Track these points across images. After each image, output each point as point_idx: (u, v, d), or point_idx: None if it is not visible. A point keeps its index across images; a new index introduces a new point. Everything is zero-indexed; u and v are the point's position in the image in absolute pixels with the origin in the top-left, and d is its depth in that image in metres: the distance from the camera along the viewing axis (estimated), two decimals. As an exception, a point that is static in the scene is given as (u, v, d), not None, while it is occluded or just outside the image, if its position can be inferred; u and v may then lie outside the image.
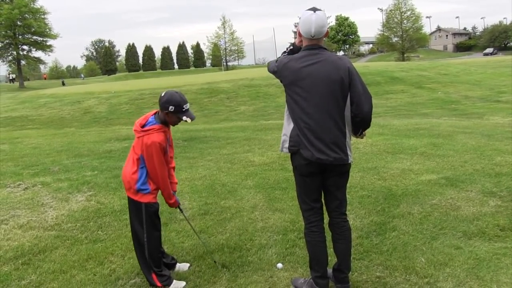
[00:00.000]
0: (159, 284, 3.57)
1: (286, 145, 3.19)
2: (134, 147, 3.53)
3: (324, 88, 3.06)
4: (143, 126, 3.49)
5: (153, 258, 3.60)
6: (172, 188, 3.71)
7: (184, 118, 3.48)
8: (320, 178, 3.21)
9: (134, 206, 3.55)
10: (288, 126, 3.21)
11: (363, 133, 3.34)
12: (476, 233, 4.26)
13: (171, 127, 3.65)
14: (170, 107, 3.43)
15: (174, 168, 3.83)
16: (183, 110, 3.47)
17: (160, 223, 3.70)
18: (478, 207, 4.91)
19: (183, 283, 3.64)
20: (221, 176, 6.78)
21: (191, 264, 3.96)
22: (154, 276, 3.59)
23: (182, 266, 3.92)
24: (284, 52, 3.39)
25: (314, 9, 3.06)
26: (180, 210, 3.90)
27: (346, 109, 3.15)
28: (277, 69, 3.23)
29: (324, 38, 3.17)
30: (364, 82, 3.18)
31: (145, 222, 3.54)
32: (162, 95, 3.49)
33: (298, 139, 3.11)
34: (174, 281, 3.64)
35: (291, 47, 3.35)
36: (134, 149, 3.53)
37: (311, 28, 3.04)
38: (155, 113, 3.58)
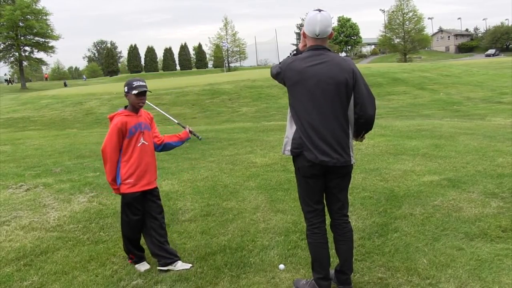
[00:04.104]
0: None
1: (289, 147, 3.19)
2: None
3: (329, 89, 3.06)
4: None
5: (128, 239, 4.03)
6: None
7: (134, 91, 3.78)
8: (323, 180, 3.21)
9: None
10: (290, 129, 3.21)
11: (364, 136, 3.34)
12: (478, 234, 4.26)
13: (141, 111, 4.00)
14: (125, 88, 3.85)
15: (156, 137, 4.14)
16: (133, 86, 3.80)
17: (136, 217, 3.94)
18: (480, 208, 4.91)
19: (147, 267, 3.94)
20: (223, 177, 6.78)
21: (193, 265, 3.97)
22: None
23: (184, 265, 3.95)
24: (288, 56, 3.39)
25: (320, 10, 3.09)
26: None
27: (349, 110, 3.16)
28: (281, 70, 3.23)
29: (328, 40, 3.18)
30: (368, 84, 3.19)
31: (121, 212, 3.98)
32: None
33: (301, 141, 3.11)
34: (144, 262, 4.01)
35: (295, 52, 3.35)
36: None
37: (316, 27, 3.06)
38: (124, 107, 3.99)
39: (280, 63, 3.32)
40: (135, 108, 3.89)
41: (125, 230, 3.99)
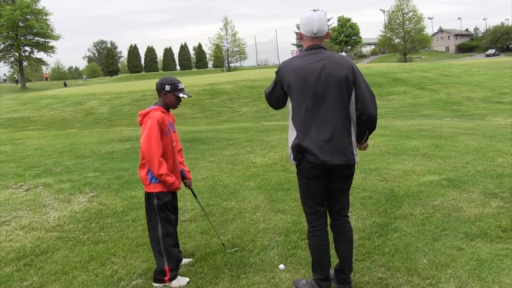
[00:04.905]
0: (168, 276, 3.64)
1: (291, 157, 3.18)
2: None
3: (329, 86, 3.05)
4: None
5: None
6: (180, 166, 3.94)
7: (181, 94, 3.65)
8: (325, 181, 3.19)
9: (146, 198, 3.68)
10: (291, 136, 3.19)
11: (366, 142, 3.30)
12: (478, 234, 4.26)
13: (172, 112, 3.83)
14: (166, 86, 3.63)
15: (181, 149, 4.00)
16: (179, 88, 3.66)
17: (173, 216, 3.78)
18: (480, 208, 4.91)
19: (187, 279, 3.69)
20: (223, 177, 6.78)
21: (192, 261, 4.00)
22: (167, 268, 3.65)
23: (184, 260, 4.00)
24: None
25: (314, 10, 3.13)
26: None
27: (350, 107, 3.13)
28: (279, 72, 3.23)
29: (325, 40, 3.19)
30: (367, 81, 3.18)
31: (157, 213, 3.62)
32: (158, 81, 3.70)
33: (301, 146, 3.09)
34: (178, 277, 3.69)
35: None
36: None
37: (313, 26, 3.08)
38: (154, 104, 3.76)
39: (272, 84, 3.38)
40: (167, 107, 3.73)
41: (167, 240, 3.65)
